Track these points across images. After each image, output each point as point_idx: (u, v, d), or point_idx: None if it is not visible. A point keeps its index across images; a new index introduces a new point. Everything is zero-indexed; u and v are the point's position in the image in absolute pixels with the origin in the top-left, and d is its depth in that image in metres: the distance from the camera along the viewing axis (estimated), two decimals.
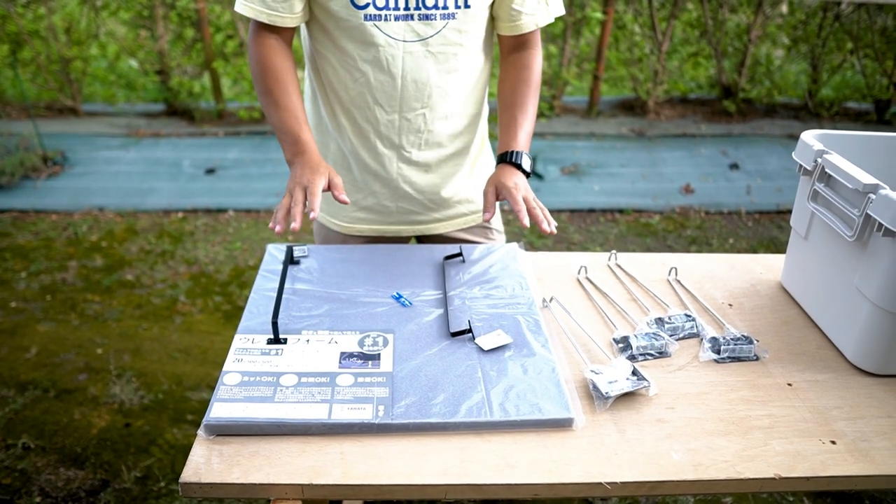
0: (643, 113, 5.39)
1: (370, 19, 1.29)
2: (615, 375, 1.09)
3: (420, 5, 1.30)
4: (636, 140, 4.94)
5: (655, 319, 1.28)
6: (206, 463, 0.93)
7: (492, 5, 1.39)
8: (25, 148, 4.28)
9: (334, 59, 1.37)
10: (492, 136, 1.65)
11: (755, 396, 1.11)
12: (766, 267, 1.53)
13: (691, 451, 0.98)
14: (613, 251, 1.53)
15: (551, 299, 1.33)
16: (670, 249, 3.54)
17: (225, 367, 1.09)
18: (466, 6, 1.32)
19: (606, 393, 1.06)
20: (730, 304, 1.38)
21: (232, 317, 2.90)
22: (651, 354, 1.19)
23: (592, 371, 1.11)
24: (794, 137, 4.98)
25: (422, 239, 1.64)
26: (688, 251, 3.51)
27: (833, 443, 1.01)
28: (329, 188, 1.28)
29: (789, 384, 1.14)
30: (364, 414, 1.00)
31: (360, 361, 1.11)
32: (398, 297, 1.30)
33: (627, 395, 1.08)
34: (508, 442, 0.98)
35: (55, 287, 3.09)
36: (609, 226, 3.80)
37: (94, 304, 2.97)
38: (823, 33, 5.36)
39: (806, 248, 1.34)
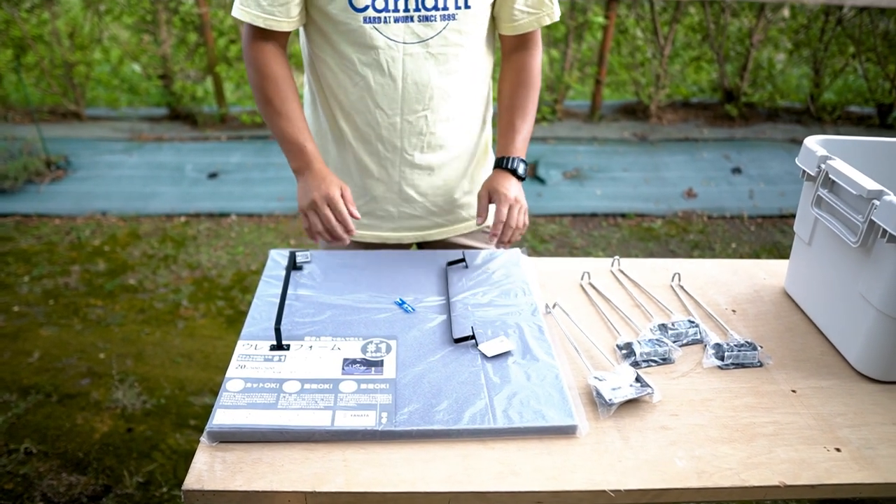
0: (645, 117, 5.39)
1: (369, 22, 1.29)
2: (619, 382, 1.09)
3: (420, 6, 1.29)
4: (638, 144, 4.94)
5: (659, 325, 1.27)
6: (208, 470, 0.93)
7: (493, 5, 1.40)
8: (29, 152, 4.29)
9: (333, 62, 1.37)
10: (493, 141, 1.65)
11: (759, 403, 1.10)
12: (769, 272, 1.53)
13: (695, 459, 0.98)
14: (616, 257, 1.53)
15: (554, 305, 1.33)
16: (673, 254, 3.53)
17: (228, 374, 1.09)
18: (467, 6, 1.32)
19: (610, 400, 1.05)
20: (733, 310, 1.37)
21: (234, 321, 2.90)
22: (654, 361, 1.19)
23: (596, 378, 1.10)
24: (797, 141, 4.98)
25: (423, 245, 1.63)
26: (690, 256, 3.51)
27: (838, 450, 1.01)
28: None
29: (793, 391, 1.14)
30: (367, 421, 0.99)
31: (363, 368, 1.11)
32: (401, 304, 1.30)
33: (631, 402, 1.08)
34: (512, 449, 0.98)
35: (58, 291, 3.09)
36: (611, 230, 3.79)
37: (97, 308, 2.97)
38: (825, 37, 5.36)
39: (809, 254, 1.33)
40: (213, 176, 4.29)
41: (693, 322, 1.28)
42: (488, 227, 1.63)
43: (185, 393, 2.46)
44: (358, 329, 1.21)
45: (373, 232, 1.55)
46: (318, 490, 0.90)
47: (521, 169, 1.44)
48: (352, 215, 1.34)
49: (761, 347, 1.23)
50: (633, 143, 4.95)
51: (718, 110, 5.51)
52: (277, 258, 1.45)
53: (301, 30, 1.42)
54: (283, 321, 1.22)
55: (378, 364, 1.12)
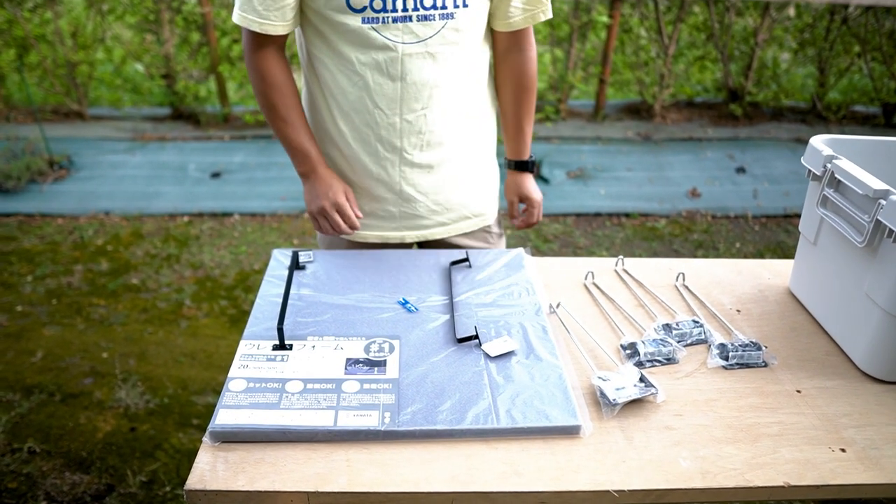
0: (649, 117, 5.38)
1: (368, 22, 1.29)
2: (622, 382, 1.09)
3: (418, 6, 1.29)
4: (642, 144, 4.93)
5: (663, 325, 1.27)
6: (211, 470, 0.93)
7: (490, 2, 1.40)
8: (32, 152, 4.29)
9: (332, 63, 1.37)
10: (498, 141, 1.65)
11: (764, 403, 1.10)
12: (773, 272, 1.52)
13: (700, 459, 0.97)
14: (620, 256, 1.53)
15: (558, 305, 1.32)
16: (676, 254, 3.52)
17: (230, 374, 1.09)
18: (465, 5, 1.32)
19: (614, 400, 1.05)
20: (738, 310, 1.37)
21: (237, 321, 2.90)
22: (659, 361, 1.18)
23: (600, 377, 1.10)
24: (801, 141, 4.96)
25: (423, 245, 1.63)
26: (694, 255, 3.50)
27: (843, 450, 1.00)
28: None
29: (798, 391, 1.13)
30: (370, 421, 0.99)
31: (365, 368, 1.11)
32: (404, 303, 1.29)
33: (635, 402, 1.07)
34: (515, 449, 0.98)
35: (61, 291, 3.10)
36: (615, 230, 3.79)
37: (100, 308, 2.97)
38: (830, 36, 5.35)
39: (815, 254, 1.33)
40: (216, 175, 4.30)
41: (697, 322, 1.28)
42: (488, 226, 1.64)
43: (187, 392, 2.46)
44: (361, 329, 1.21)
45: (374, 232, 1.55)
46: (320, 490, 0.90)
47: (533, 166, 1.65)
48: (357, 216, 1.45)
49: (766, 347, 1.22)
50: (636, 143, 4.94)
51: (723, 110, 5.50)
52: (280, 258, 1.45)
53: (298, 31, 1.42)
54: (286, 321, 1.21)
55: (381, 364, 1.12)
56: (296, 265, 1.40)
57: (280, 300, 1.27)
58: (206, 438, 0.97)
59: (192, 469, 0.93)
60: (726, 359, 1.19)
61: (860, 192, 1.13)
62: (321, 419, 0.99)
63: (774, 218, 3.97)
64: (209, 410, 2.35)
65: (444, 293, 1.34)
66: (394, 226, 1.54)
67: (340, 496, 0.91)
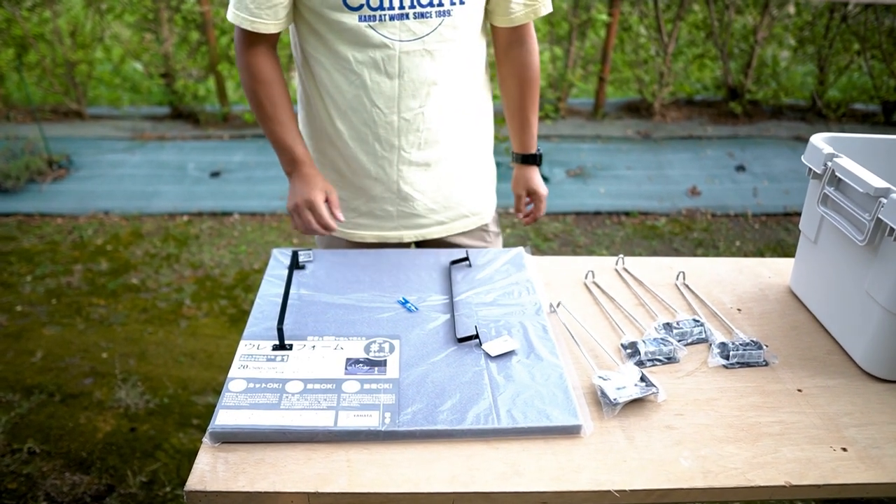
0: (649, 115, 5.38)
1: (364, 20, 1.29)
2: (623, 381, 1.09)
3: (415, 4, 1.29)
4: (642, 142, 4.93)
5: (663, 324, 1.27)
6: (211, 471, 0.92)
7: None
8: (31, 151, 4.29)
9: (328, 62, 1.37)
10: (497, 139, 1.66)
11: (765, 402, 1.10)
12: (774, 271, 1.52)
13: (701, 459, 0.97)
14: (620, 255, 1.52)
15: (558, 304, 1.32)
16: (676, 252, 3.52)
17: (230, 374, 1.08)
18: (462, 2, 1.32)
19: (615, 399, 1.05)
20: (738, 309, 1.37)
21: (237, 321, 2.89)
22: (659, 360, 1.18)
23: (600, 377, 1.10)
24: (801, 139, 4.96)
25: (421, 244, 1.63)
26: (694, 254, 3.50)
27: (844, 450, 1.00)
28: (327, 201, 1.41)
29: (799, 390, 1.13)
30: (370, 421, 0.99)
31: (366, 368, 1.10)
32: (404, 303, 1.29)
33: (636, 402, 1.07)
34: (516, 449, 0.98)
35: (60, 291, 3.09)
36: (615, 228, 3.78)
37: (100, 307, 2.97)
38: (830, 34, 5.34)
39: (815, 253, 1.33)
40: (215, 175, 4.29)
41: (698, 321, 1.28)
42: (485, 224, 1.63)
43: (188, 392, 2.45)
44: (361, 328, 1.21)
45: (372, 232, 1.54)
46: (320, 491, 0.90)
47: (540, 159, 1.66)
48: (336, 217, 1.40)
49: (767, 346, 1.22)
50: (636, 141, 4.94)
51: (722, 108, 5.49)
52: (280, 257, 1.44)
53: (292, 30, 1.42)
54: (286, 321, 1.21)
55: (381, 364, 1.11)
56: (295, 265, 1.40)
57: (280, 300, 1.27)
58: (206, 439, 0.97)
59: (192, 470, 0.93)
60: (727, 358, 1.19)
61: (861, 190, 1.13)
62: (321, 419, 0.99)
63: (774, 216, 3.97)
64: (209, 410, 2.35)
65: (444, 292, 1.34)
66: (392, 225, 1.54)
67: (341, 497, 0.90)
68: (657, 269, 1.50)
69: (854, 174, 1.15)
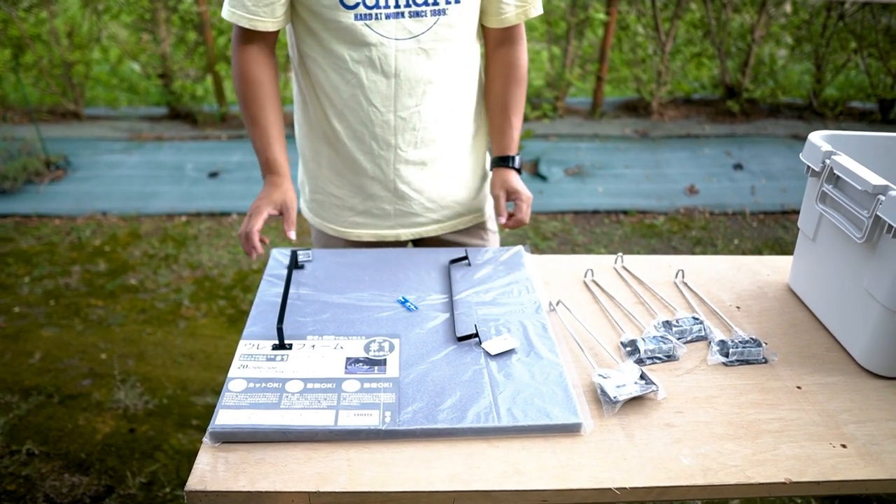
0: (647, 114, 5.38)
1: (361, 19, 1.29)
2: (623, 379, 1.09)
3: (410, 2, 1.29)
4: (640, 141, 4.93)
5: (663, 322, 1.27)
6: (211, 471, 0.92)
7: None
8: (28, 152, 4.28)
9: (324, 61, 1.36)
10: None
11: (764, 400, 1.10)
12: (772, 269, 1.52)
13: (701, 456, 0.97)
14: (619, 254, 1.53)
15: (558, 303, 1.32)
16: (675, 251, 3.53)
17: (230, 374, 1.08)
18: (457, 1, 1.32)
19: (615, 397, 1.05)
20: (737, 307, 1.37)
21: (236, 321, 2.89)
22: (659, 358, 1.18)
23: (600, 375, 1.10)
24: (799, 137, 4.97)
25: (418, 243, 1.63)
26: (693, 252, 3.50)
27: (843, 446, 1.00)
28: (281, 213, 1.40)
29: (798, 387, 1.13)
30: (371, 420, 0.99)
31: (366, 367, 1.10)
32: (404, 302, 1.29)
33: (636, 400, 1.07)
34: (516, 447, 0.98)
35: (58, 292, 3.09)
36: (613, 227, 3.79)
37: (98, 308, 2.97)
38: (827, 33, 5.35)
39: (814, 250, 1.33)
40: (213, 175, 4.29)
41: (697, 319, 1.28)
42: (482, 222, 1.63)
43: (187, 393, 2.45)
44: (360, 328, 1.21)
45: (369, 230, 1.55)
46: (321, 490, 0.90)
47: (520, 164, 1.55)
48: (286, 232, 1.40)
49: (766, 344, 1.22)
50: (634, 140, 4.94)
51: (720, 106, 5.50)
52: (279, 257, 1.44)
53: (289, 30, 1.42)
54: (285, 320, 1.21)
55: (381, 363, 1.11)
56: (294, 264, 1.40)
57: (279, 300, 1.27)
58: (206, 439, 0.97)
59: (193, 470, 0.93)
60: (726, 355, 1.19)
61: (859, 187, 1.13)
62: (321, 419, 0.99)
63: (772, 214, 3.98)
64: (208, 411, 2.35)
65: (443, 291, 1.34)
66: (388, 224, 1.54)
67: (341, 496, 0.90)
68: (656, 268, 1.50)
69: (852, 172, 1.15)
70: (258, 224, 1.36)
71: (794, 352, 1.23)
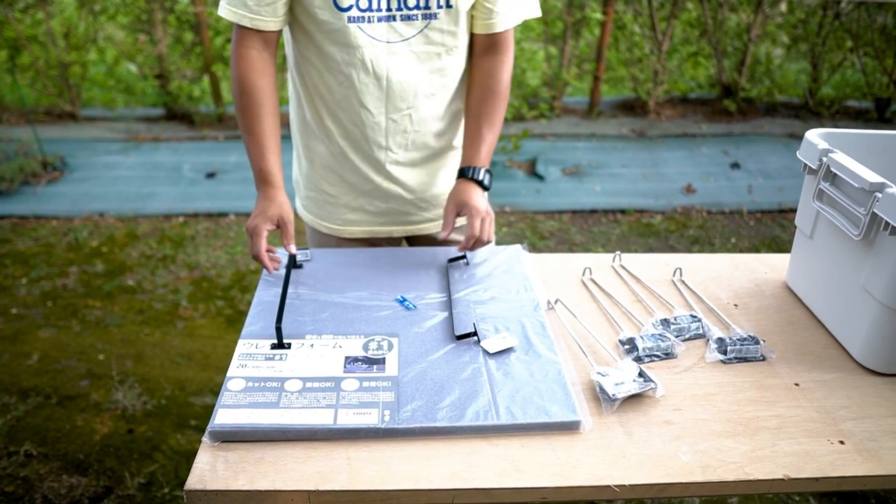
0: (644, 113, 5.39)
1: (353, 21, 1.29)
2: (621, 377, 1.09)
3: (402, 6, 1.29)
4: (637, 140, 4.94)
5: (661, 320, 1.27)
6: (211, 470, 0.92)
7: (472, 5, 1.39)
8: (25, 154, 4.27)
9: (318, 62, 1.37)
10: None
11: (762, 397, 1.10)
12: (770, 267, 1.52)
13: (699, 453, 0.98)
14: (617, 252, 1.53)
15: (556, 301, 1.32)
16: (672, 249, 3.53)
17: (229, 373, 1.08)
18: (448, 6, 1.32)
19: (613, 395, 1.05)
20: (735, 305, 1.37)
21: (234, 321, 2.89)
22: (657, 356, 1.19)
23: (599, 373, 1.10)
24: (795, 136, 4.98)
25: (411, 240, 1.64)
26: (690, 251, 3.51)
27: (842, 443, 1.01)
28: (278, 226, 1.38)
29: (796, 384, 1.14)
30: (370, 419, 0.99)
31: (364, 366, 1.10)
32: (402, 301, 1.29)
33: (634, 397, 1.08)
34: (515, 445, 0.98)
35: (56, 293, 3.09)
36: (611, 226, 3.79)
37: (96, 309, 2.96)
38: (823, 32, 5.36)
39: (811, 248, 1.33)
40: (210, 176, 4.28)
41: (695, 317, 1.28)
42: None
43: (185, 393, 2.45)
44: (359, 327, 1.21)
45: (362, 227, 1.56)
46: (321, 489, 0.90)
47: (486, 180, 1.43)
48: (286, 247, 1.39)
49: (764, 341, 1.22)
50: (631, 139, 4.95)
51: (717, 105, 5.51)
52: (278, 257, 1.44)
53: (286, 30, 1.41)
54: (284, 320, 1.21)
55: (380, 362, 1.11)
56: (293, 264, 1.40)
57: (277, 299, 1.27)
58: (205, 438, 0.97)
59: (192, 469, 0.93)
60: (724, 353, 1.19)
61: (856, 185, 1.13)
62: (321, 418, 0.99)
63: (769, 213, 3.98)
64: (207, 411, 2.35)
65: (441, 290, 1.34)
66: (381, 220, 1.55)
67: (341, 494, 0.90)
68: (654, 266, 1.51)
69: (849, 169, 1.15)
70: (263, 244, 1.35)
71: (791, 349, 1.23)
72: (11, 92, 5.22)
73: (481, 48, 1.45)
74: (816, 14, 5.40)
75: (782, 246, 3.59)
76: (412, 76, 1.36)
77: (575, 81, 5.50)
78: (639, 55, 5.38)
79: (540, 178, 4.31)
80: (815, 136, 1.30)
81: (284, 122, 1.51)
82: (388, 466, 0.94)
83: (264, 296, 1.30)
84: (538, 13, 1.46)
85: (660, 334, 1.22)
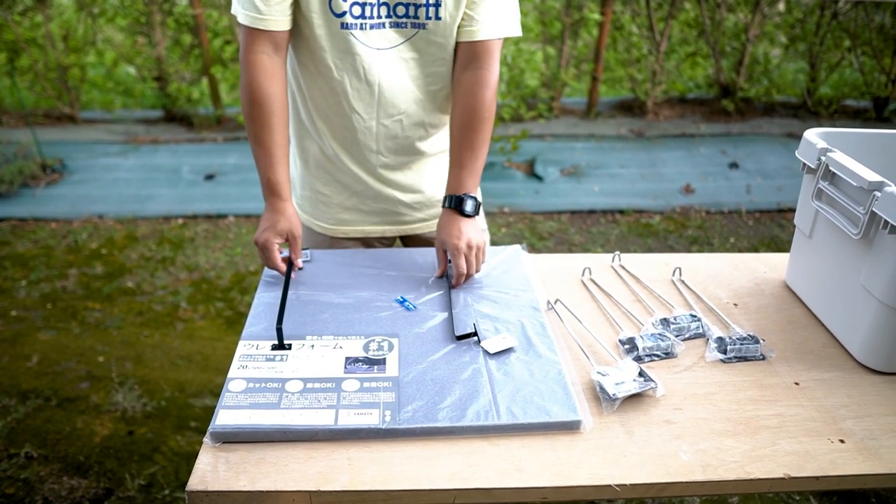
0: (642, 113, 5.39)
1: (347, 28, 1.30)
2: (622, 377, 1.09)
3: (393, 14, 1.31)
4: (635, 140, 4.94)
5: (661, 320, 1.27)
6: (212, 471, 0.93)
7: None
8: (24, 156, 4.27)
9: (311, 66, 1.37)
10: None
11: (763, 396, 1.10)
12: (769, 266, 1.53)
13: (700, 452, 0.98)
14: (617, 252, 1.53)
15: (556, 301, 1.33)
16: (671, 249, 3.53)
17: (230, 374, 1.08)
18: (437, 18, 1.32)
19: (613, 394, 1.05)
20: (735, 304, 1.37)
21: (234, 323, 2.89)
22: (657, 355, 1.19)
23: (599, 373, 1.10)
24: (793, 136, 4.98)
25: (406, 240, 1.64)
26: (689, 251, 3.51)
27: (842, 441, 1.01)
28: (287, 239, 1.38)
29: (796, 383, 1.14)
30: (371, 419, 0.99)
31: (365, 366, 1.10)
32: (402, 301, 1.29)
33: (634, 397, 1.08)
34: (516, 445, 0.98)
35: (55, 295, 3.08)
36: (610, 227, 3.79)
37: (95, 311, 2.96)
38: (821, 31, 5.37)
39: (810, 247, 1.33)
40: (209, 177, 4.28)
41: (695, 316, 1.28)
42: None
43: (185, 395, 2.45)
44: (360, 327, 1.21)
45: (356, 227, 1.57)
46: (322, 489, 0.90)
47: (468, 206, 1.38)
48: (293, 261, 1.38)
49: (763, 340, 1.23)
50: (630, 140, 4.95)
51: (715, 105, 5.51)
52: None
53: None
54: (285, 320, 1.21)
55: (380, 362, 1.12)
56: (293, 265, 1.40)
57: (278, 300, 1.27)
58: (206, 439, 0.97)
59: (193, 470, 0.93)
60: (724, 352, 1.19)
61: (855, 184, 1.13)
62: (322, 418, 0.99)
63: (768, 213, 3.99)
64: (207, 413, 2.35)
65: (441, 290, 1.34)
66: (374, 220, 1.56)
67: (342, 495, 0.90)
68: (653, 266, 1.51)
69: (848, 168, 1.16)
70: (276, 258, 1.36)
71: (791, 348, 1.23)
72: (10, 94, 5.22)
73: (464, 59, 1.39)
74: (814, 14, 5.41)
75: (781, 245, 3.60)
76: (403, 83, 1.38)
77: (573, 82, 5.50)
78: (637, 55, 5.38)
79: (538, 178, 4.31)
80: (814, 136, 1.30)
81: None
82: (390, 467, 0.94)
83: (265, 297, 1.31)
84: (518, 33, 1.41)
85: (660, 334, 1.22)
